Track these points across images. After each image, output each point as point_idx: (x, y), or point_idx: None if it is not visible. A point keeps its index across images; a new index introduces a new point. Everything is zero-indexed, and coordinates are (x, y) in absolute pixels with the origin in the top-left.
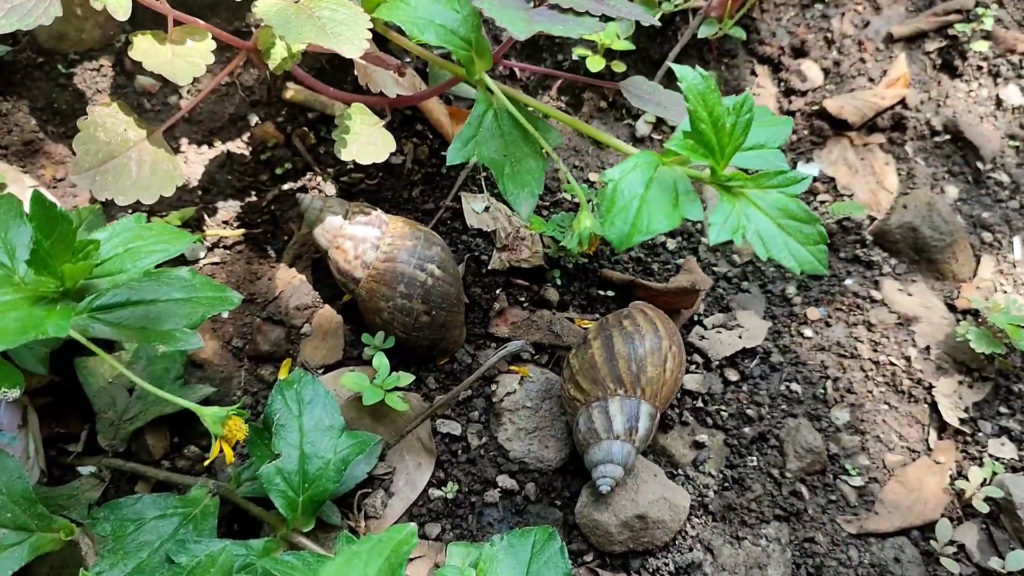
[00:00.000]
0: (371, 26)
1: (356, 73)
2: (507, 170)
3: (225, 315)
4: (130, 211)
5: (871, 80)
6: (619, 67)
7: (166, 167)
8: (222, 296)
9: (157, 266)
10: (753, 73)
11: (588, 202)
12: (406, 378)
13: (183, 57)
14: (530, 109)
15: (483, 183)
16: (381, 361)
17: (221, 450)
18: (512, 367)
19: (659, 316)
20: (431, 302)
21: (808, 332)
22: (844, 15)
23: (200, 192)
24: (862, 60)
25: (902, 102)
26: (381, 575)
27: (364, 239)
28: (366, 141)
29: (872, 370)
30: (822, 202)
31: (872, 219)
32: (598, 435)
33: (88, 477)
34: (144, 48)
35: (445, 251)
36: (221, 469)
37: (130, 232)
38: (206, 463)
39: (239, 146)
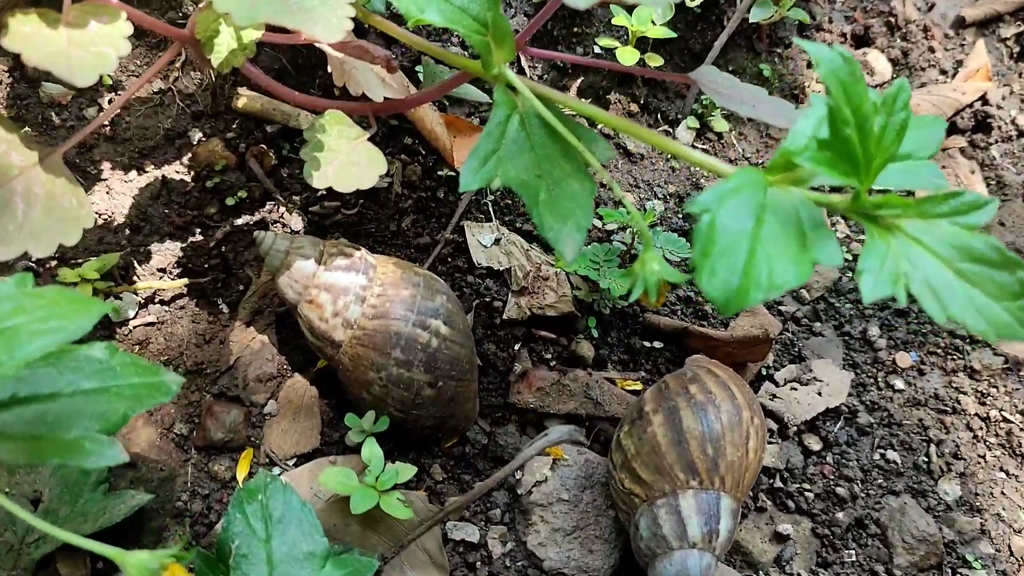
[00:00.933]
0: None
1: (331, 71)
2: (543, 196)
3: None
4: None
5: (943, 72)
6: (654, 60)
7: (67, 203)
8: (153, 382)
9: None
10: (810, 66)
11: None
12: (406, 472)
13: (84, 46)
14: (568, 112)
15: (491, 209)
16: (372, 451)
17: None
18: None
19: (732, 378)
20: (437, 370)
21: (899, 383)
22: None
23: (128, 232)
24: (931, 49)
25: (984, 98)
26: None
27: (345, 289)
28: (347, 161)
29: (982, 428)
30: None
31: None
32: (668, 544)
33: None
34: (25, 33)
35: (452, 300)
36: None
37: (7, 304)
38: None
39: (178, 170)
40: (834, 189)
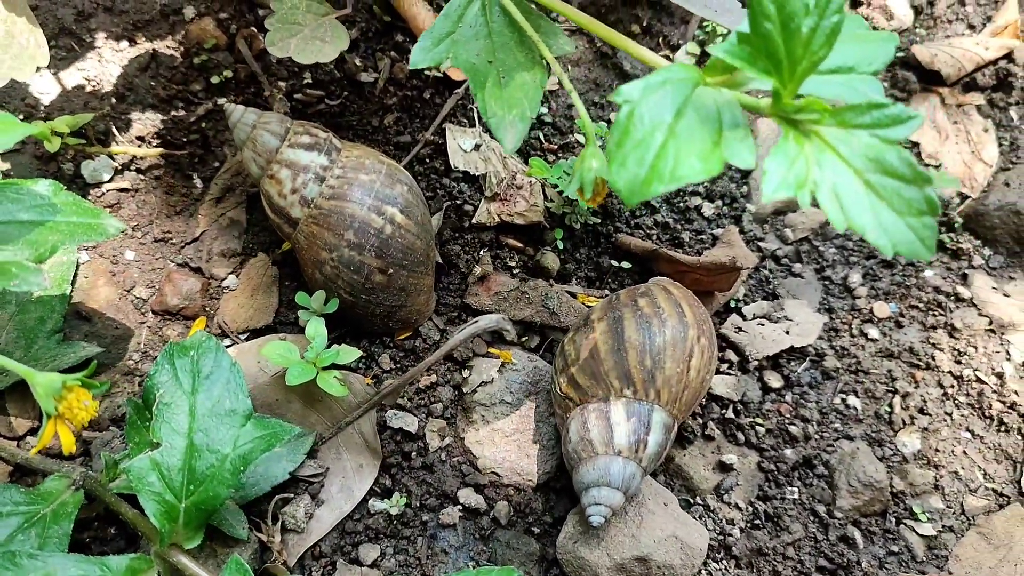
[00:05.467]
0: None
1: None
2: (490, 83)
3: (130, 256)
4: None
5: (971, 27)
6: None
7: (24, 42)
8: (91, 223)
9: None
10: None
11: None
12: (349, 353)
13: None
14: (532, 3)
15: (476, 115)
16: (317, 329)
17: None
18: (492, 349)
19: (686, 297)
20: (388, 257)
21: (873, 332)
22: None
23: (113, 100)
24: (961, 2)
25: (1009, 56)
26: None
27: (306, 168)
28: (310, 35)
29: (953, 387)
30: None
31: (964, 197)
32: (593, 448)
33: None
34: None
35: (413, 191)
36: (98, 451)
37: None
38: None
39: (169, 45)
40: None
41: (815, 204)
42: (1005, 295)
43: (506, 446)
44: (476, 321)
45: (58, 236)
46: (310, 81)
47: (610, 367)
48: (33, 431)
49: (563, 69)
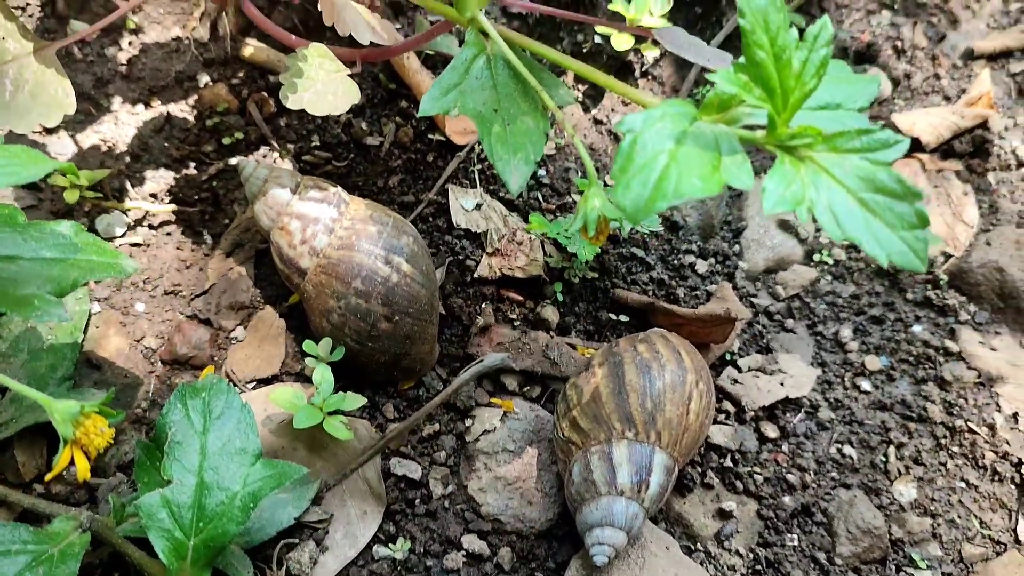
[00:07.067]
0: None
1: (321, 8)
2: (497, 128)
3: (140, 308)
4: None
5: (947, 99)
6: (650, 50)
7: (53, 91)
8: (109, 262)
9: (30, 219)
10: None
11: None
12: (355, 400)
13: None
14: (532, 56)
15: (477, 176)
16: (323, 375)
17: (74, 463)
18: (494, 399)
19: (683, 344)
20: (394, 305)
21: (866, 385)
22: (916, 25)
23: (128, 159)
24: (936, 76)
25: (984, 124)
26: None
27: (316, 219)
28: (323, 89)
29: (946, 437)
30: None
31: (947, 256)
32: (596, 489)
33: None
34: None
35: (418, 243)
36: (104, 497)
37: None
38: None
39: (182, 109)
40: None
41: (814, 220)
42: (992, 349)
43: (509, 493)
44: (481, 360)
45: (79, 272)
46: (318, 144)
47: (612, 409)
48: (39, 478)
49: (559, 135)
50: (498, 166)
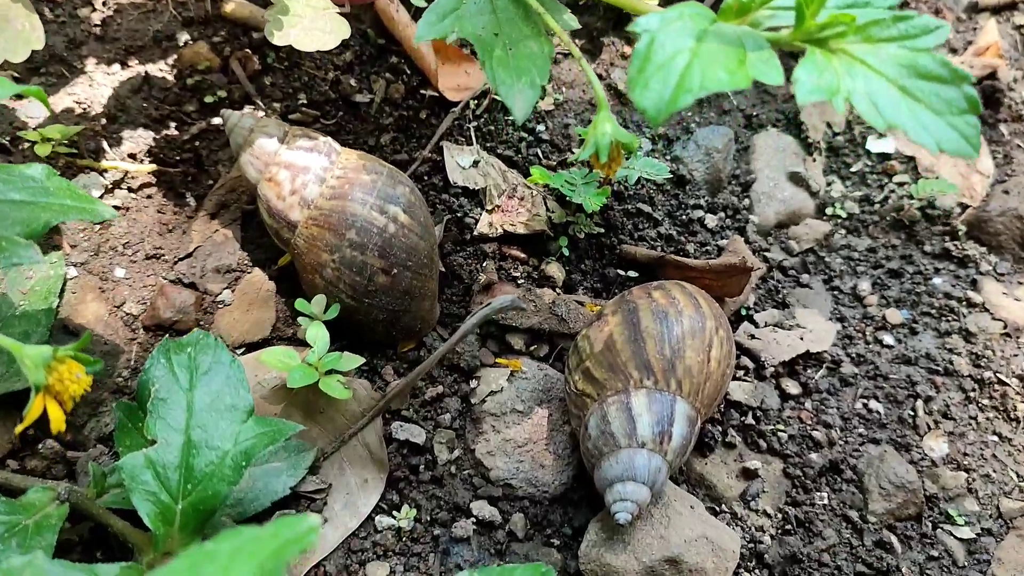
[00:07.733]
0: None
1: None
2: (498, 52)
3: (120, 273)
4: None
5: (952, 51)
6: None
7: (19, 25)
8: (83, 206)
9: None
10: None
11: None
12: (352, 360)
13: None
14: None
15: (473, 133)
16: (318, 333)
17: (47, 414)
18: (500, 359)
19: (700, 293)
20: (392, 257)
21: (888, 339)
22: None
23: (104, 120)
24: None
25: (993, 75)
26: None
27: (305, 168)
28: (310, 26)
29: (975, 390)
30: (900, 184)
31: (964, 207)
32: (615, 441)
33: None
34: None
35: (415, 194)
36: (84, 470)
37: None
38: (18, 429)
39: (161, 69)
40: None
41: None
42: (1016, 299)
43: (519, 456)
44: (489, 302)
45: (50, 214)
46: (305, 102)
47: (628, 357)
48: (13, 453)
49: (558, 90)
50: (501, 91)
